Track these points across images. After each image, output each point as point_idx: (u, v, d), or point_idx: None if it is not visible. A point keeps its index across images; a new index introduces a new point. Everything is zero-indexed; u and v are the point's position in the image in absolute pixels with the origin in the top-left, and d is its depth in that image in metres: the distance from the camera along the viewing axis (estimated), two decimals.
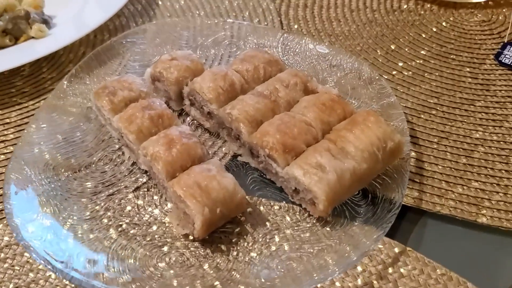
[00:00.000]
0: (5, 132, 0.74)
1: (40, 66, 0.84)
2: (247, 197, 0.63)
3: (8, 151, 0.71)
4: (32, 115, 0.75)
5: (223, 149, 0.69)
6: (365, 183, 0.61)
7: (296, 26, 0.90)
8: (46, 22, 0.87)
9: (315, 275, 0.54)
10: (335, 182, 0.56)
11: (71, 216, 0.60)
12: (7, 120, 0.75)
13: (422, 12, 0.91)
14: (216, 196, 0.56)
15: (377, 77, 0.72)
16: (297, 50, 0.79)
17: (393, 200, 0.59)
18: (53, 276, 0.57)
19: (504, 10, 0.90)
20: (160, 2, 0.96)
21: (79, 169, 0.66)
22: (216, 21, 0.85)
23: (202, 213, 0.55)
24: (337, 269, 0.54)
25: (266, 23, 0.89)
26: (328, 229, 0.59)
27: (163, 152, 0.59)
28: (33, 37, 0.84)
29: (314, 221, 0.60)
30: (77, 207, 0.62)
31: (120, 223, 0.60)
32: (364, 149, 0.59)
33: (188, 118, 0.72)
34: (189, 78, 0.70)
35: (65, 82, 0.74)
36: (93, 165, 0.67)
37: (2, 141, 0.72)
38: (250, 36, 0.82)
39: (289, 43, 0.80)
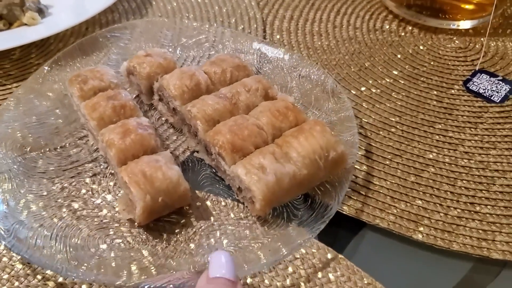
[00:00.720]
0: None
1: (29, 51, 0.89)
2: (197, 191, 0.66)
3: None
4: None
5: (184, 144, 0.73)
6: (305, 188, 0.63)
7: (278, 37, 0.93)
8: (41, 11, 0.92)
9: (245, 266, 0.57)
10: (274, 183, 0.59)
11: (29, 193, 0.64)
12: None
13: (402, 34, 0.94)
14: (159, 186, 0.59)
15: (339, 91, 0.75)
16: (271, 59, 0.82)
17: (329, 207, 0.61)
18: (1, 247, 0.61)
19: (482, 39, 0.92)
20: (153, 2, 1.00)
21: (44, 150, 0.70)
22: (199, 24, 0.89)
23: (143, 199, 0.58)
24: (265, 264, 0.57)
25: (249, 31, 0.93)
26: (266, 228, 0.62)
27: (117, 140, 0.63)
28: (26, 24, 0.89)
29: (255, 220, 0.63)
30: (36, 185, 0.65)
31: (73, 204, 0.64)
32: (306, 156, 0.61)
33: (155, 113, 0.76)
34: (160, 74, 0.74)
35: (46, 68, 0.78)
36: (59, 148, 0.71)
37: None
38: (229, 41, 0.86)
39: (265, 51, 0.83)
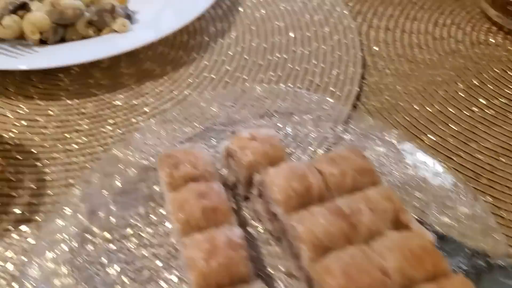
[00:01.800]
0: (80, 122, 0.75)
1: (119, 60, 0.86)
2: None
3: (81, 141, 0.72)
4: (109, 106, 0.77)
5: (280, 262, 0.58)
6: None
7: (376, 49, 0.88)
8: (129, 17, 0.89)
9: None
10: None
11: None
12: (83, 110, 0.77)
13: (510, 48, 0.87)
14: None
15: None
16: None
17: None
18: None
19: None
20: (241, 9, 0.96)
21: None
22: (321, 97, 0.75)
23: None
24: None
25: (346, 41, 0.88)
26: None
27: (200, 261, 0.49)
28: (115, 31, 0.86)
29: None
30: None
31: None
32: None
33: (247, 210, 0.63)
34: (265, 165, 0.59)
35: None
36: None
37: (76, 131, 0.74)
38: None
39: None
